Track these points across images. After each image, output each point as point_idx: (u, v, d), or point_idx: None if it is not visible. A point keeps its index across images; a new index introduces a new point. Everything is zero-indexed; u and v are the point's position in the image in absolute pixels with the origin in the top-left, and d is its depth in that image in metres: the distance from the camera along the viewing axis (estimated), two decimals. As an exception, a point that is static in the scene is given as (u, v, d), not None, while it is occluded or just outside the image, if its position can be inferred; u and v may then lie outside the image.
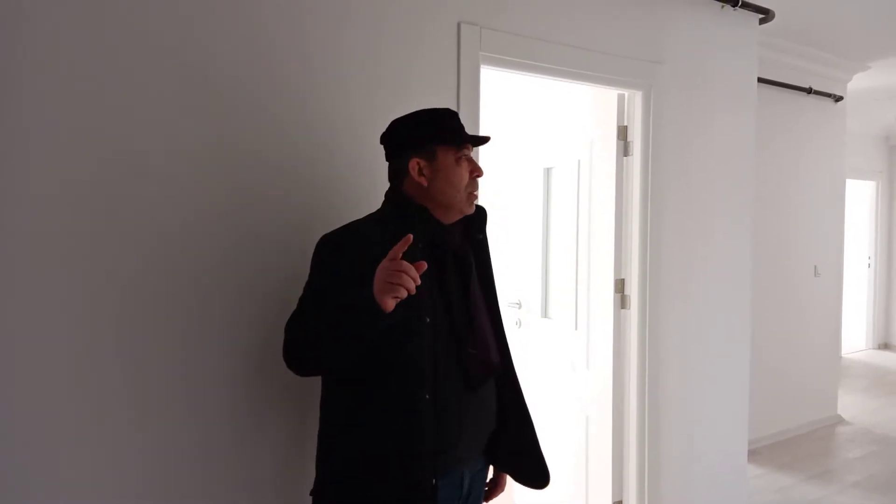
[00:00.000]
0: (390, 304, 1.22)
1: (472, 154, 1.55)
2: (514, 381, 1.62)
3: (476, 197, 1.52)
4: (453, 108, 2.02)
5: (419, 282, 1.23)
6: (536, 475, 1.61)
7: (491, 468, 1.65)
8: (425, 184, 1.46)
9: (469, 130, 2.02)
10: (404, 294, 1.22)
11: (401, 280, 1.20)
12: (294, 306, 1.44)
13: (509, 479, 1.68)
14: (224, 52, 1.64)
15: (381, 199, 1.57)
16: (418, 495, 1.36)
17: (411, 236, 1.24)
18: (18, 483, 1.42)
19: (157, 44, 1.56)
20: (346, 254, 1.41)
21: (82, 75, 1.47)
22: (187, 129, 1.60)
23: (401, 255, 1.23)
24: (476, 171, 1.50)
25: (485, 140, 1.54)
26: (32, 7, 1.41)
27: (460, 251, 1.51)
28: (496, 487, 1.68)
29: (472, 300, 1.50)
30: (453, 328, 1.44)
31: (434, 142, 1.47)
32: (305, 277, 1.46)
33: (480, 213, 1.61)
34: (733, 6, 2.80)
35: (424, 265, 1.24)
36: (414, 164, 1.46)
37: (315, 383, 1.58)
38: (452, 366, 1.42)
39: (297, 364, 1.40)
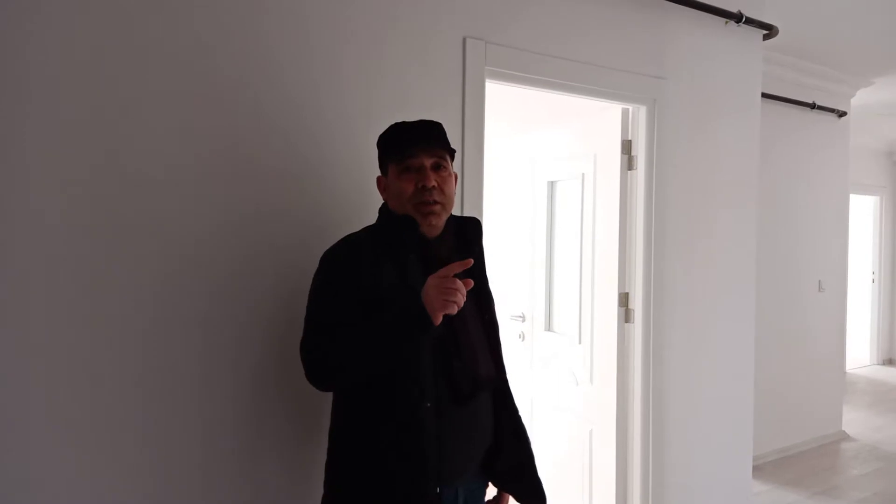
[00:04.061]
0: (440, 317, 1.30)
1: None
2: (509, 396, 1.60)
3: (430, 208, 1.44)
4: (457, 121, 2.03)
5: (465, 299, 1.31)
6: (532, 494, 1.59)
7: (491, 486, 1.62)
8: (386, 199, 1.54)
9: (472, 143, 2.05)
10: (455, 310, 1.30)
11: (455, 297, 1.29)
12: (301, 319, 1.45)
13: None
14: (231, 66, 1.66)
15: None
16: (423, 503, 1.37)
17: (472, 260, 1.33)
18: (21, 488, 1.43)
19: (158, 51, 1.57)
20: (346, 265, 1.43)
21: (80, 85, 1.48)
22: (194, 139, 1.61)
23: (453, 273, 1.30)
24: (421, 181, 1.43)
25: (423, 143, 1.45)
26: (33, 17, 1.44)
27: (446, 264, 1.48)
28: None
29: (457, 313, 1.46)
30: (441, 341, 1.43)
31: (385, 159, 1.53)
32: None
33: (474, 226, 1.59)
34: (737, 22, 2.82)
35: (471, 283, 1.32)
36: (378, 182, 1.57)
37: (323, 398, 1.58)
38: (442, 379, 1.42)
39: (328, 382, 1.41)
